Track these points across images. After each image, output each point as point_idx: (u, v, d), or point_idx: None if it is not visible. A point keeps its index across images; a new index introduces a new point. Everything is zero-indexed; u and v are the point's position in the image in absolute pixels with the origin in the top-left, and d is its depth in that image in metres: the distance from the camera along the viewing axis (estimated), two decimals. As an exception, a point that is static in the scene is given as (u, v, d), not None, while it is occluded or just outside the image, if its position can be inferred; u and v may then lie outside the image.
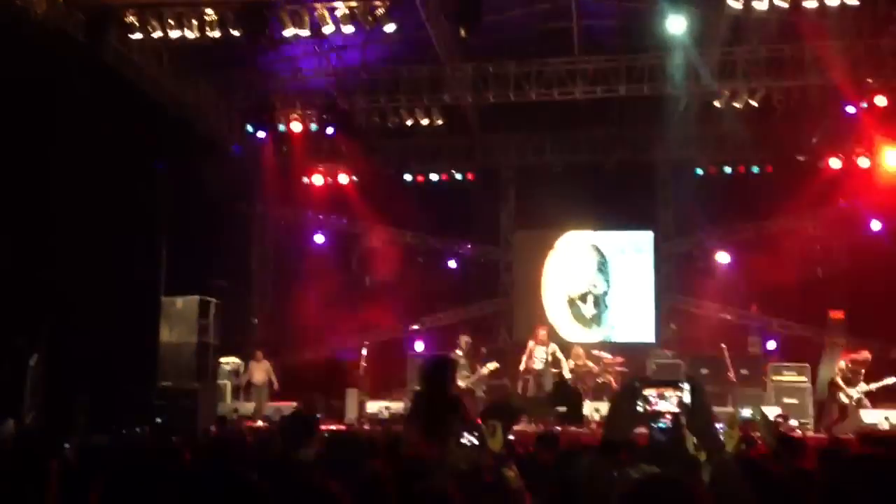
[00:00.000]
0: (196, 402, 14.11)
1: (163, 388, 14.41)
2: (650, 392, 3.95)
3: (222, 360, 16.19)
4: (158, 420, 12.74)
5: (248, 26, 13.24)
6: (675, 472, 3.26)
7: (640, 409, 3.68)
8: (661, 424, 4.25)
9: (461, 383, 15.13)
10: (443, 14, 13.57)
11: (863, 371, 13.81)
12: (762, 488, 3.65)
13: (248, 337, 18.46)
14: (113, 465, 4.37)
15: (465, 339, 15.50)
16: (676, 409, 3.70)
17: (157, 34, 13.64)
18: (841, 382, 13.81)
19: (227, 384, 16.27)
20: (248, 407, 15.66)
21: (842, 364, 14.02)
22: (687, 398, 3.74)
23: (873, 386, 13.77)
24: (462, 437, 3.68)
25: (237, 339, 17.25)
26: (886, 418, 13.88)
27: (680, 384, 3.83)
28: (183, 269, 15.50)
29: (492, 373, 15.34)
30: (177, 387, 14.35)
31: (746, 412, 13.24)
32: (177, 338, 15.04)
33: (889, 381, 13.84)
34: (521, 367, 15.36)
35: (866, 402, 13.85)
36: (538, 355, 15.25)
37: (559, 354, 15.31)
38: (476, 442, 3.71)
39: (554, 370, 15.22)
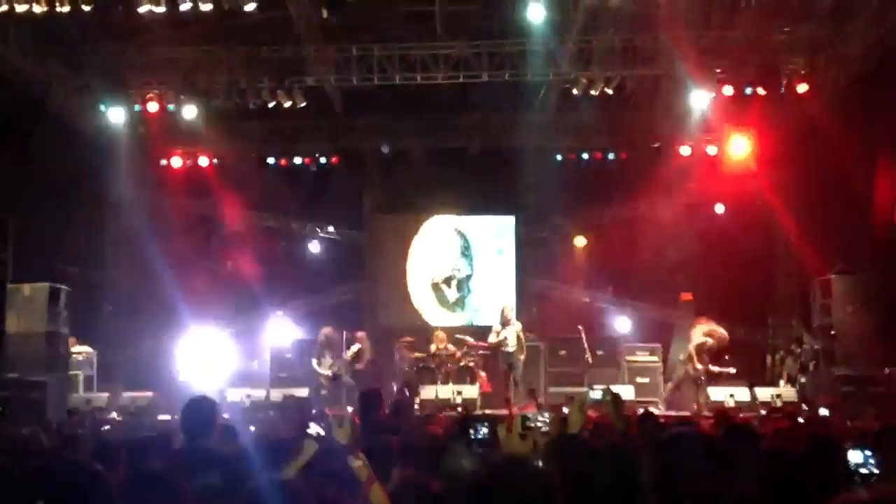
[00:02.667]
0: (45, 393, 13.57)
1: (9, 380, 13.80)
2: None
3: (74, 349, 15.61)
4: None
5: (99, 1, 12.74)
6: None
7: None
8: (479, 436, 4.35)
9: (326, 371, 15.14)
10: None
11: (712, 348, 14.61)
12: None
13: (103, 325, 17.85)
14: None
15: (325, 332, 15.49)
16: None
17: (3, 8, 12.97)
18: (694, 354, 14.52)
19: (79, 375, 15.69)
20: (101, 398, 15.13)
21: (700, 338, 14.70)
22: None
23: (715, 369, 14.60)
24: (308, 427, 3.66)
25: (91, 327, 16.65)
26: (731, 395, 14.59)
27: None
28: (32, 255, 14.86)
29: (355, 355, 15.34)
30: (25, 378, 13.77)
31: (596, 393, 13.73)
32: (25, 327, 14.39)
33: (730, 371, 14.86)
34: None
35: (703, 378, 14.63)
36: (508, 335, 15.10)
37: (520, 334, 15.25)
38: (323, 433, 3.71)
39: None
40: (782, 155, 17.04)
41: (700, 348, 14.70)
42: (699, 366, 14.58)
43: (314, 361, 15.31)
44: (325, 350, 15.33)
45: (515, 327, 15.11)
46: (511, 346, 14.92)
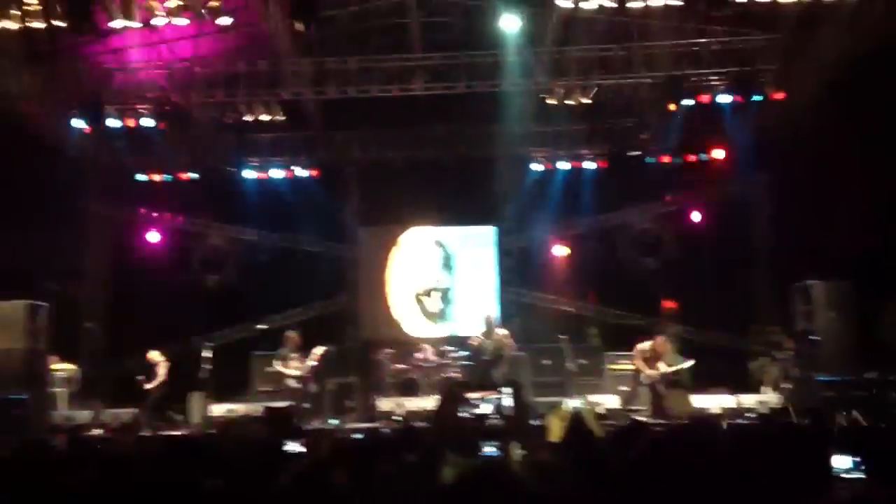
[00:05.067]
0: (25, 410, 13.47)
1: (-12, 398, 13.69)
2: (473, 396, 4.02)
3: (55, 366, 15.48)
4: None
5: (73, 16, 12.66)
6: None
7: (463, 413, 3.74)
8: (487, 451, 4.33)
9: (296, 372, 15.03)
10: (279, 8, 13.37)
11: (661, 353, 14.36)
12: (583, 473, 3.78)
13: (85, 342, 17.71)
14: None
15: (291, 336, 15.44)
16: (495, 412, 3.81)
17: (-25, 24, 12.91)
18: (641, 364, 14.38)
19: (63, 392, 15.57)
20: (83, 414, 15.00)
21: (642, 346, 14.54)
22: (507, 401, 3.84)
23: (671, 368, 14.30)
24: (286, 445, 3.63)
25: (72, 344, 16.52)
26: (716, 402, 14.60)
27: (500, 388, 3.95)
28: (10, 272, 14.76)
29: (321, 357, 15.20)
30: (4, 396, 13.65)
31: (576, 402, 13.68)
32: (4, 344, 14.26)
33: (686, 364, 14.53)
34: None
35: (661, 383, 14.27)
36: (485, 344, 14.85)
37: (507, 341, 14.86)
38: (300, 450, 3.68)
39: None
40: (759, 162, 17.15)
41: (642, 356, 14.54)
42: (650, 372, 14.39)
43: (278, 364, 15.23)
44: (290, 354, 15.29)
45: (496, 336, 14.93)
46: (486, 355, 14.82)
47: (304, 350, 15.27)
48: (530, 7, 13.79)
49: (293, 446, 3.54)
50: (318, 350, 15.15)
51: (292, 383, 15.02)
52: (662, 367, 14.31)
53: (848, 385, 13.71)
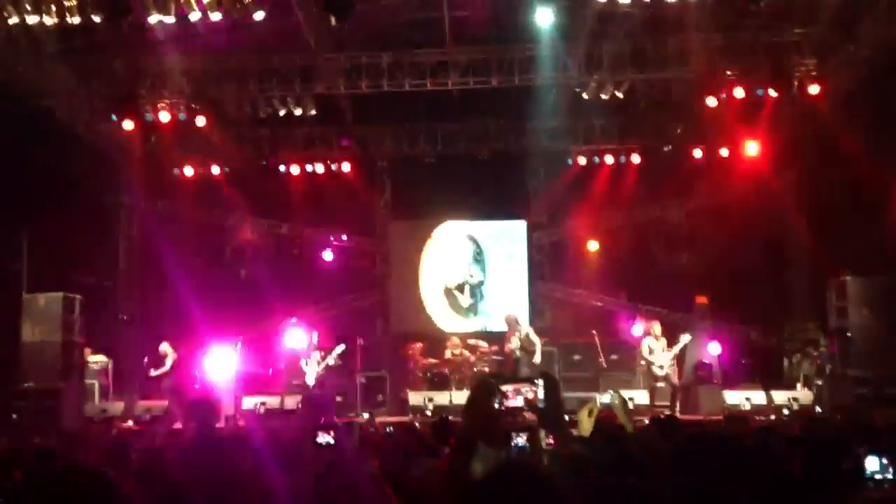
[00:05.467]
0: (59, 402, 13.65)
1: (24, 389, 13.89)
2: (507, 388, 4.04)
3: (90, 358, 15.68)
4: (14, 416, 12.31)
5: (109, 12, 12.80)
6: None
7: (496, 405, 3.75)
8: (518, 442, 4.32)
9: (317, 370, 15.09)
10: (313, 2, 13.42)
11: (662, 339, 14.23)
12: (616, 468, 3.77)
13: (118, 335, 17.90)
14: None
15: (312, 334, 15.72)
16: (527, 406, 3.82)
17: (14, 19, 13.07)
18: (648, 357, 14.21)
19: (94, 383, 15.76)
20: (116, 406, 15.18)
21: (643, 342, 14.37)
22: (541, 394, 3.86)
23: (675, 349, 14.22)
24: (318, 437, 3.64)
25: (106, 336, 16.71)
26: (748, 399, 14.49)
27: (535, 381, 3.97)
28: (46, 266, 14.94)
29: (340, 356, 15.24)
30: (39, 387, 13.85)
31: (606, 398, 13.60)
32: (40, 336, 14.47)
33: (684, 339, 14.35)
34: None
35: (672, 371, 14.21)
36: (513, 342, 14.76)
37: (532, 337, 14.70)
38: (332, 441, 3.69)
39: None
40: (795, 156, 16.95)
41: (650, 350, 14.32)
42: (662, 362, 14.18)
43: (303, 362, 15.31)
44: (312, 352, 15.37)
45: (521, 333, 14.80)
46: (515, 353, 14.73)
47: (326, 348, 15.36)
48: (564, 1, 13.75)
49: (324, 438, 3.54)
50: (339, 348, 15.24)
51: (310, 381, 15.08)
52: (667, 353, 14.12)
53: (881, 382, 13.56)
